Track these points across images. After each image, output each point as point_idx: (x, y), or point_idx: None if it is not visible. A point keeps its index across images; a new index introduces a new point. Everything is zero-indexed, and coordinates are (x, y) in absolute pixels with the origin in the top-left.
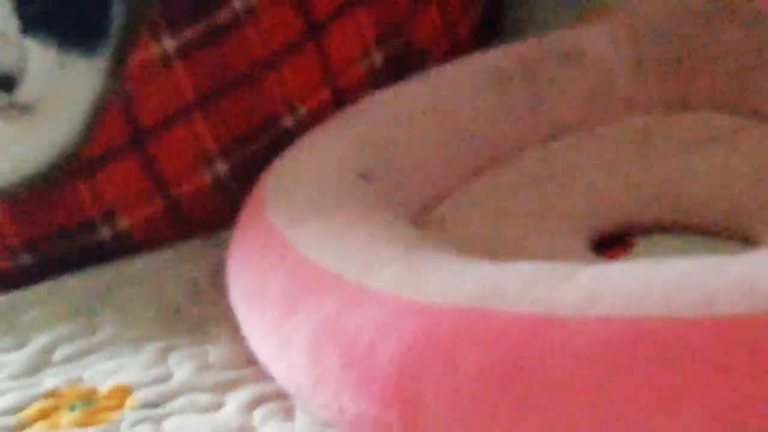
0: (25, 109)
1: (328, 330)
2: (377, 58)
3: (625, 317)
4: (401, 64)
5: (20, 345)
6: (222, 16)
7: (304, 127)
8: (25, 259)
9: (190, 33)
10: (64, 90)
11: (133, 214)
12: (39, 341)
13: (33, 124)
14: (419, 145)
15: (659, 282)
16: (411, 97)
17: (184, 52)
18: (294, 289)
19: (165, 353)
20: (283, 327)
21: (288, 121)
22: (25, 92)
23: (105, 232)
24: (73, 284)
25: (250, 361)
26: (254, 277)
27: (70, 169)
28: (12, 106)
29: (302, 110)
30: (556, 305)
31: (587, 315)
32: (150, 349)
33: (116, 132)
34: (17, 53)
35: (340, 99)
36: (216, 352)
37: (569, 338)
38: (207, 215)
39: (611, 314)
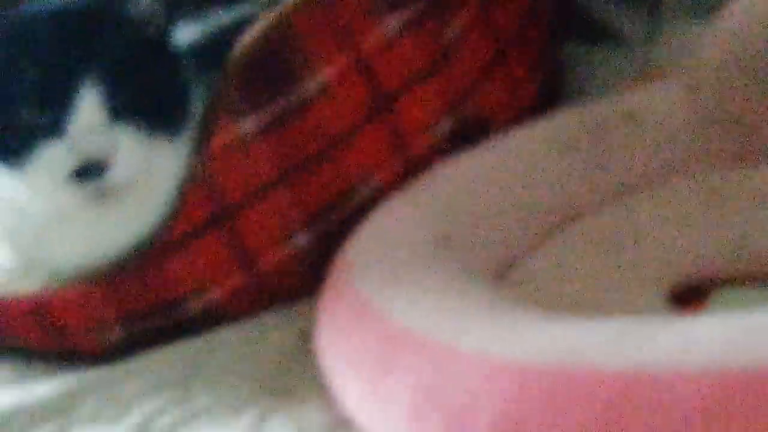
0: (116, 193)
1: (426, 394)
2: (445, 127)
3: (716, 371)
4: (468, 132)
5: (118, 418)
6: (296, 95)
7: (379, 196)
8: (117, 333)
9: (267, 113)
10: (151, 173)
11: (221, 288)
12: (136, 414)
13: (123, 207)
14: (493, 209)
15: (746, 334)
16: (482, 163)
17: (263, 131)
18: (388, 353)
19: (260, 421)
20: (380, 391)
21: (364, 192)
22: (114, 178)
23: (194, 306)
24: (165, 357)
25: (345, 425)
26: (347, 342)
27: (159, 247)
28: (101, 191)
29: (376, 180)
30: (645, 361)
31: (678, 370)
32: (245, 417)
33: (201, 210)
34: (107, 141)
35: (412, 168)
36: (310, 416)
37: (662, 394)
38: (289, 285)
39: (702, 369)
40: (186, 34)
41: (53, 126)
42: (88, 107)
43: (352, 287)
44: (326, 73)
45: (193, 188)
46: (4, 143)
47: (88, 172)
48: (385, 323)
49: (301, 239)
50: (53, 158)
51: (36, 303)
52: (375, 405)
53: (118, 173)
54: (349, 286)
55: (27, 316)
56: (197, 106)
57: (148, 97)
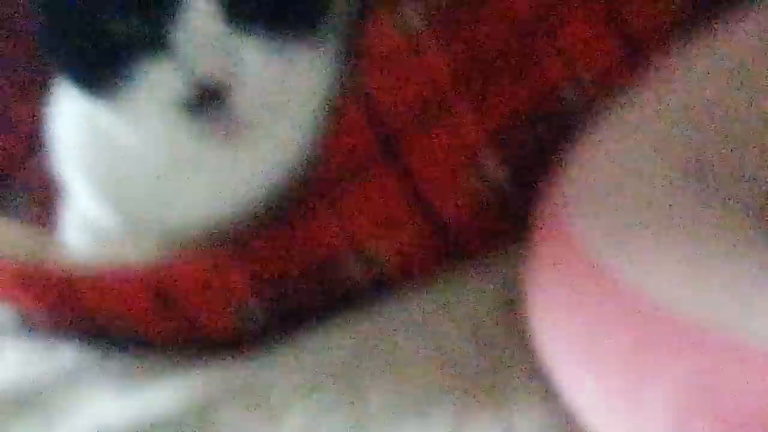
0: (242, 125)
1: (697, 395)
2: None
3: None
4: None
5: (274, 425)
6: None
7: (593, 99)
8: (257, 313)
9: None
10: (287, 96)
11: (388, 244)
12: (297, 418)
13: (253, 144)
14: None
15: None
16: (748, 43)
17: (435, 28)
18: (642, 342)
19: (459, 422)
20: (630, 390)
21: (572, 94)
22: (240, 104)
23: (353, 270)
24: (324, 341)
25: (570, 426)
26: (573, 322)
27: (304, 196)
28: (225, 123)
29: (589, 74)
30: None
31: None
32: (439, 419)
33: (360, 141)
34: (226, 57)
35: (638, 55)
36: (523, 417)
37: None
38: (479, 237)
39: None
40: None
41: (155, 38)
42: (200, 10)
43: (575, 245)
44: None
45: (347, 112)
46: (96, 67)
47: (204, 98)
48: (631, 299)
49: (493, 168)
50: (157, 82)
51: (152, 278)
52: (620, 405)
53: (242, 99)
54: (569, 244)
55: (141, 295)
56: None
57: None
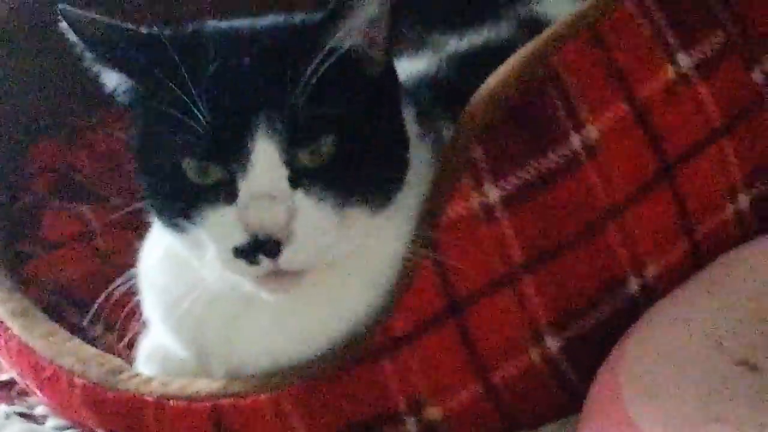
0: (296, 277)
1: None
2: (743, 201)
3: None
4: None
5: None
6: (557, 155)
7: (654, 291)
8: None
9: (516, 178)
10: (349, 254)
11: (446, 403)
12: None
13: (321, 294)
14: None
15: None
16: None
17: (510, 201)
18: None
19: None
20: None
21: (634, 285)
22: (290, 258)
23: (411, 426)
24: None
25: None
26: None
27: (367, 348)
28: (279, 274)
29: (652, 270)
30: None
31: None
32: None
33: (427, 301)
34: (285, 212)
35: (699, 253)
36: None
37: None
38: (532, 407)
39: None
40: (405, 68)
41: (223, 186)
42: (265, 163)
43: (630, 423)
44: (595, 129)
45: (417, 273)
46: (174, 205)
47: (259, 249)
48: None
49: (550, 344)
50: (219, 227)
51: (214, 410)
52: None
53: (296, 252)
54: (623, 422)
55: (202, 426)
56: (425, 167)
57: (344, 153)
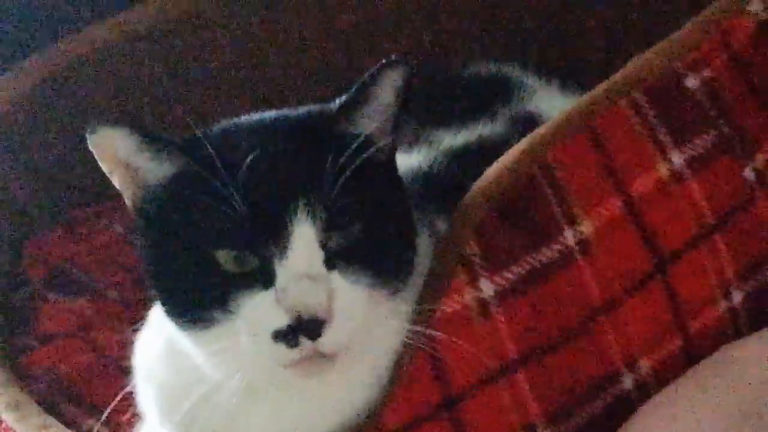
0: (329, 360)
1: None
2: (737, 297)
3: None
4: (765, 305)
5: None
6: (550, 251)
7: (647, 387)
8: None
9: (510, 273)
10: (368, 338)
11: None
12: None
13: (331, 380)
14: None
15: None
16: None
17: (504, 296)
18: None
19: None
20: None
21: (628, 381)
22: (331, 339)
23: None
24: None
25: None
26: None
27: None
28: (315, 357)
29: (645, 366)
30: None
31: None
32: None
33: (421, 396)
34: (324, 292)
35: (693, 349)
36: None
37: None
38: None
39: None
40: (401, 163)
41: (261, 272)
42: (303, 246)
43: None
44: (589, 224)
45: (412, 365)
46: (198, 297)
47: (301, 330)
48: None
49: None
50: (258, 313)
51: None
52: None
53: (335, 333)
54: None
55: None
56: (425, 260)
57: (371, 238)
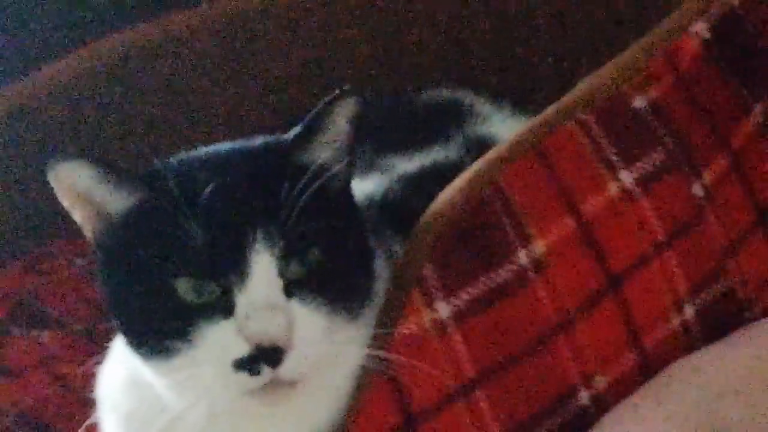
0: (290, 387)
1: None
2: (689, 311)
3: None
4: (718, 318)
5: None
6: (505, 271)
7: (604, 402)
8: None
9: (466, 294)
10: (329, 363)
11: None
12: None
13: (292, 406)
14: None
15: None
16: (740, 361)
17: (460, 318)
18: None
19: None
20: None
21: (584, 396)
22: (292, 366)
23: None
24: None
25: None
26: None
27: None
28: (274, 385)
29: (601, 381)
30: None
31: None
32: None
33: (382, 418)
34: (284, 321)
35: (648, 364)
36: None
37: None
38: None
39: None
40: (362, 187)
41: (220, 301)
42: (262, 275)
43: None
44: (542, 244)
45: (373, 388)
46: (157, 327)
47: (262, 359)
48: None
49: None
50: (218, 342)
51: None
52: None
53: (295, 361)
54: None
55: None
56: (382, 285)
57: (329, 265)
